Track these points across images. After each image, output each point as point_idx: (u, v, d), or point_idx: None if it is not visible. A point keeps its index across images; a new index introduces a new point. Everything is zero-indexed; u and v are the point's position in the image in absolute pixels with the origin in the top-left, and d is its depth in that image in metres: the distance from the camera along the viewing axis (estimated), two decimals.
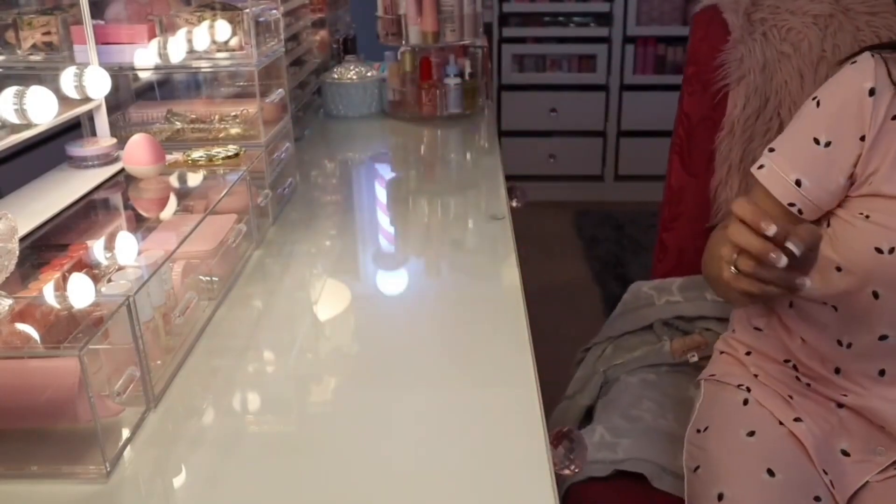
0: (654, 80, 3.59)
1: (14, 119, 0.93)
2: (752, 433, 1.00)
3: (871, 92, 0.92)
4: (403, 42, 1.91)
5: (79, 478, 0.69)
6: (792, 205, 0.98)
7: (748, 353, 1.12)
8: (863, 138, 0.93)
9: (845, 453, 1.01)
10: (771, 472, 0.94)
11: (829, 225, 1.00)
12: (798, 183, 0.97)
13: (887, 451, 1.00)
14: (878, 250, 0.92)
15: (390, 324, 0.99)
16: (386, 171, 1.66)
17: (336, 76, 1.98)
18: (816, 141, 0.96)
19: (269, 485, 0.68)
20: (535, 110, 3.69)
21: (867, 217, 0.94)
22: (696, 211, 1.46)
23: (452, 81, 1.91)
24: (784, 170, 0.98)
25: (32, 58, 1.13)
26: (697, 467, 1.01)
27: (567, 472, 0.83)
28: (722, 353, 1.17)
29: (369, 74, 1.99)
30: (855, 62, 0.96)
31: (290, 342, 0.94)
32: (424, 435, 0.75)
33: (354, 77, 1.97)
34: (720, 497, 0.93)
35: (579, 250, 3.24)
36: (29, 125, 0.95)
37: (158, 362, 0.84)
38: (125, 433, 0.74)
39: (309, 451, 0.73)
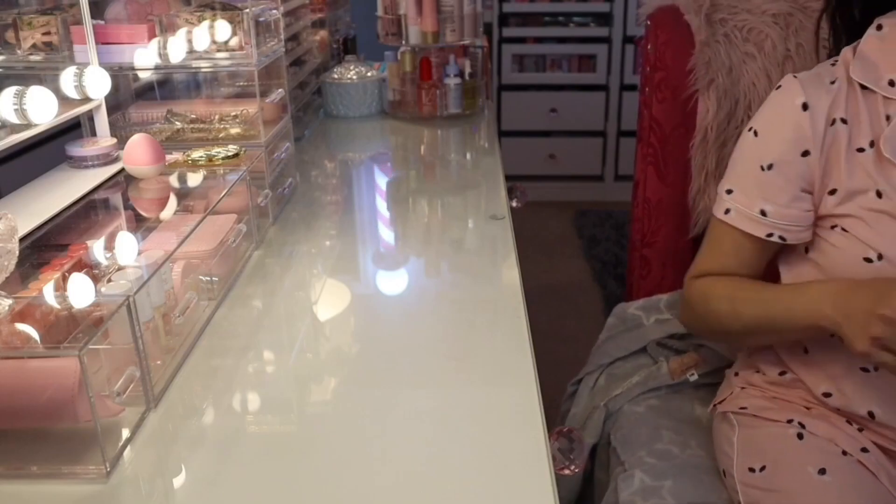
0: None
1: (14, 119, 0.93)
2: (822, 471, 0.93)
3: (805, 107, 0.94)
4: (403, 42, 1.91)
5: (79, 478, 0.69)
6: (770, 235, 0.99)
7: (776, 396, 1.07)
8: (806, 153, 0.94)
9: None
10: None
11: (807, 251, 1.00)
12: (763, 213, 0.98)
13: None
14: (868, 260, 0.91)
15: (390, 324, 0.99)
16: (386, 171, 1.66)
17: (336, 76, 1.98)
18: (762, 168, 0.97)
19: (269, 485, 0.68)
20: (535, 110, 3.69)
21: (844, 229, 0.94)
22: (676, 223, 1.41)
23: (452, 81, 1.91)
24: (747, 206, 0.99)
25: (32, 58, 1.13)
26: None
27: (567, 472, 0.83)
28: (744, 388, 1.10)
29: (369, 74, 1.99)
30: (780, 87, 0.98)
31: (290, 342, 0.94)
32: (424, 435, 0.75)
33: (354, 77, 1.97)
34: None
35: (579, 250, 3.25)
36: (29, 125, 0.94)
37: (158, 362, 0.84)
38: (125, 433, 0.74)
39: (309, 451, 0.73)
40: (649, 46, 1.37)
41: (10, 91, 0.92)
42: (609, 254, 3.17)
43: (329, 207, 1.40)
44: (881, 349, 0.83)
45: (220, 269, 1.03)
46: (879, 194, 0.90)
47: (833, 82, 0.95)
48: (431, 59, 1.91)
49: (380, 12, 1.94)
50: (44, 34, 1.13)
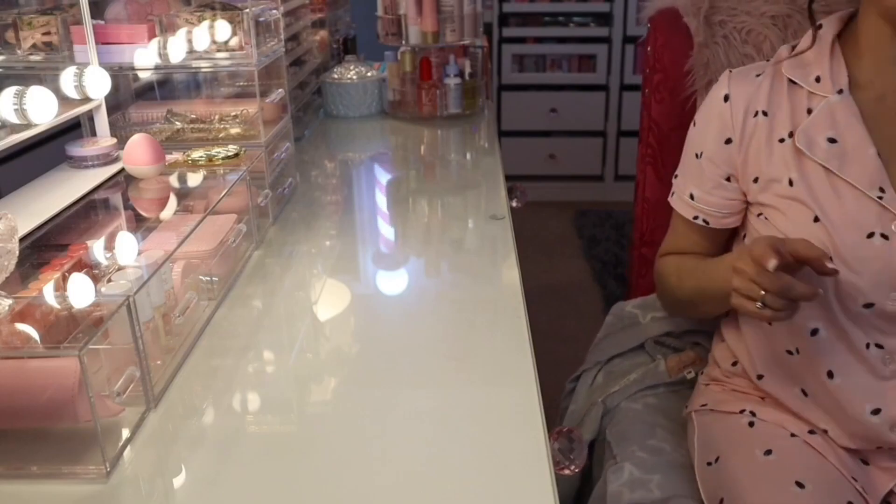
0: None
1: (14, 119, 0.93)
2: (768, 451, 0.97)
3: (726, 98, 1.02)
4: (403, 42, 1.91)
5: (79, 478, 0.69)
6: (696, 218, 1.07)
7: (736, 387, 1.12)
8: (728, 141, 1.01)
9: (865, 462, 0.99)
10: (800, 485, 0.90)
11: (744, 237, 1.06)
12: (692, 196, 1.07)
13: None
14: None
15: (390, 324, 0.99)
16: (386, 171, 1.66)
17: (336, 76, 1.98)
18: (696, 155, 1.06)
19: (269, 485, 0.68)
20: (535, 110, 3.69)
21: (766, 218, 0.99)
22: None
23: (452, 81, 1.91)
24: (683, 189, 1.09)
25: (32, 58, 1.13)
26: (721, 500, 0.97)
27: (567, 471, 0.83)
28: (707, 385, 1.15)
29: (369, 74, 1.99)
30: (718, 81, 1.05)
31: (290, 342, 0.94)
32: (424, 435, 0.75)
33: (354, 77, 1.97)
34: None
35: (579, 250, 3.25)
36: (29, 125, 0.95)
37: (158, 362, 0.84)
38: (125, 433, 0.74)
39: (309, 451, 0.73)
40: (649, 48, 1.38)
41: (10, 91, 0.92)
42: (609, 254, 3.17)
43: (329, 207, 1.40)
44: (745, 300, 0.88)
45: (220, 269, 1.03)
46: (791, 182, 0.96)
47: (758, 75, 1.02)
48: (431, 59, 1.91)
49: (380, 12, 1.94)
50: (44, 34, 1.13)
